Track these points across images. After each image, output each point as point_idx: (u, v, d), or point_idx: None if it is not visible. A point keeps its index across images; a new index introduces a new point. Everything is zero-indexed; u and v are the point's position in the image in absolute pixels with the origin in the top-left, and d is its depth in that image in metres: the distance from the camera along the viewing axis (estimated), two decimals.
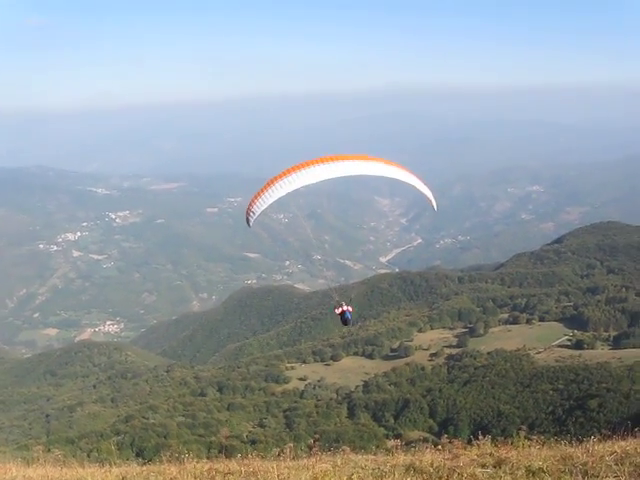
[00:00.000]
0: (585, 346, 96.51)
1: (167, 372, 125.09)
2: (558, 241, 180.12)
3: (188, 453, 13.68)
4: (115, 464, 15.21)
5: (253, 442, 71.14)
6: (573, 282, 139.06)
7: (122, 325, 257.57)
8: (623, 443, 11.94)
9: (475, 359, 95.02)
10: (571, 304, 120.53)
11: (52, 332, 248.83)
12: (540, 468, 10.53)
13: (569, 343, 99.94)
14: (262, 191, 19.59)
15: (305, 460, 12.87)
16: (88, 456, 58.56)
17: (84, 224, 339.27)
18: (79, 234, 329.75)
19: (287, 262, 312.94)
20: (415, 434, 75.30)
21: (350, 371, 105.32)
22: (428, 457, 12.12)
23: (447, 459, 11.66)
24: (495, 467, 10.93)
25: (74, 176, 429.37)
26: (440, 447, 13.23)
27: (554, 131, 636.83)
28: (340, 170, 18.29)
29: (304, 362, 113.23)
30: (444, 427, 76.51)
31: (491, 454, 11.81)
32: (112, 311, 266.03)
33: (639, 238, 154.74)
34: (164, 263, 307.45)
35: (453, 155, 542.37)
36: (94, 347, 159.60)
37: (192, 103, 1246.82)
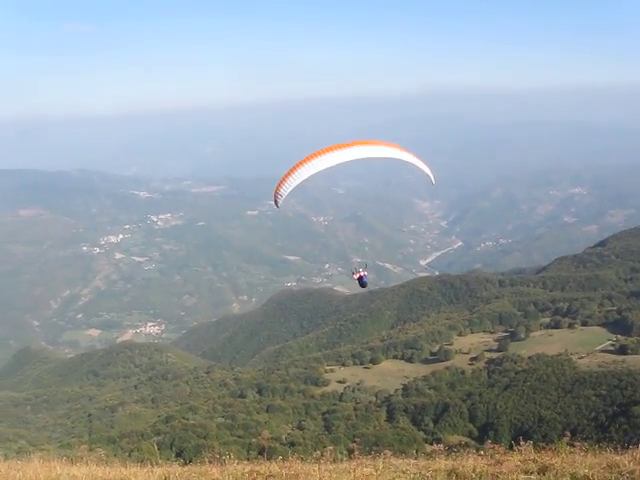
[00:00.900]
0: (629, 351, 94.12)
1: (207, 373, 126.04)
2: (601, 244, 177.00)
3: (229, 454, 13.73)
4: (157, 464, 15.34)
5: (292, 444, 71.20)
6: (617, 286, 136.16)
7: (163, 327, 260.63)
8: None
9: (516, 363, 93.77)
10: (614, 308, 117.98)
11: (95, 333, 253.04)
12: (586, 476, 10.35)
13: (612, 348, 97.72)
14: (287, 175, 21.60)
15: (346, 464, 12.83)
16: (129, 455, 59.21)
17: (126, 227, 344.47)
18: (121, 236, 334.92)
19: (327, 265, 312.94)
20: (455, 438, 74.55)
21: (389, 374, 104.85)
22: (470, 462, 11.97)
23: (490, 465, 11.52)
24: (539, 474, 10.77)
25: (116, 179, 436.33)
26: (482, 452, 13.05)
27: (589, 131, 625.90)
28: (353, 154, 21.08)
29: (343, 365, 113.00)
30: (484, 432, 75.70)
31: (534, 460, 11.61)
32: (153, 313, 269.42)
33: None
34: (204, 265, 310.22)
35: (489, 157, 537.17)
36: (135, 348, 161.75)
37: (229, 107, 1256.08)
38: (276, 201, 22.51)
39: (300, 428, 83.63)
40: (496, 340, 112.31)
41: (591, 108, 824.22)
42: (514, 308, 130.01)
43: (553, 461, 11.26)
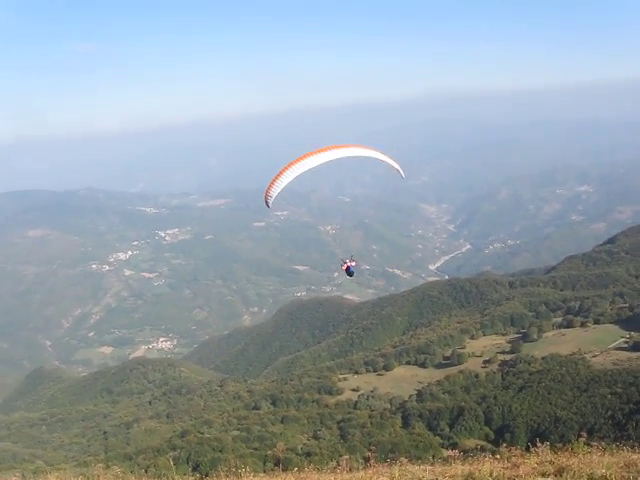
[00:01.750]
0: None
1: (220, 387, 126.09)
2: (610, 241, 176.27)
3: (244, 467, 13.71)
4: (173, 479, 15.34)
5: (308, 454, 71.00)
6: (628, 283, 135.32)
7: (175, 341, 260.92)
8: None
9: (529, 364, 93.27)
10: (627, 305, 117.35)
11: (107, 350, 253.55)
12: (603, 476, 10.28)
13: (626, 345, 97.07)
14: (275, 179, 24.13)
15: (362, 472, 12.79)
16: (146, 472, 59.00)
17: (134, 243, 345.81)
18: (130, 253, 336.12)
19: (336, 273, 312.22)
20: (471, 442, 74.17)
21: (403, 380, 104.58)
22: (487, 467, 11.92)
23: (506, 468, 11.47)
24: (556, 476, 10.71)
25: (123, 197, 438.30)
26: (498, 456, 12.98)
27: (593, 129, 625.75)
28: (329, 156, 24.15)
29: (356, 373, 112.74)
30: (500, 434, 75.27)
31: (551, 462, 11.56)
32: (165, 328, 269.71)
33: None
34: (214, 278, 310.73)
35: (495, 158, 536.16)
36: (148, 364, 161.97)
37: (233, 119, 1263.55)
38: (267, 202, 24.87)
39: (316, 438, 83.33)
40: (509, 342, 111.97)
41: (593, 106, 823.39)
42: (525, 309, 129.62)
43: (570, 462, 11.20)
